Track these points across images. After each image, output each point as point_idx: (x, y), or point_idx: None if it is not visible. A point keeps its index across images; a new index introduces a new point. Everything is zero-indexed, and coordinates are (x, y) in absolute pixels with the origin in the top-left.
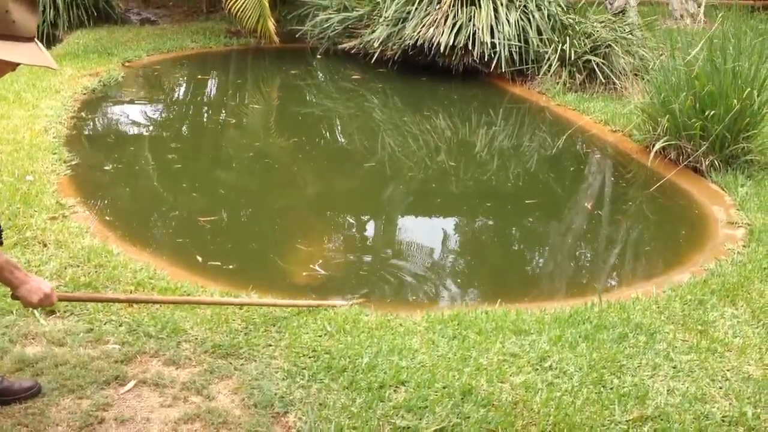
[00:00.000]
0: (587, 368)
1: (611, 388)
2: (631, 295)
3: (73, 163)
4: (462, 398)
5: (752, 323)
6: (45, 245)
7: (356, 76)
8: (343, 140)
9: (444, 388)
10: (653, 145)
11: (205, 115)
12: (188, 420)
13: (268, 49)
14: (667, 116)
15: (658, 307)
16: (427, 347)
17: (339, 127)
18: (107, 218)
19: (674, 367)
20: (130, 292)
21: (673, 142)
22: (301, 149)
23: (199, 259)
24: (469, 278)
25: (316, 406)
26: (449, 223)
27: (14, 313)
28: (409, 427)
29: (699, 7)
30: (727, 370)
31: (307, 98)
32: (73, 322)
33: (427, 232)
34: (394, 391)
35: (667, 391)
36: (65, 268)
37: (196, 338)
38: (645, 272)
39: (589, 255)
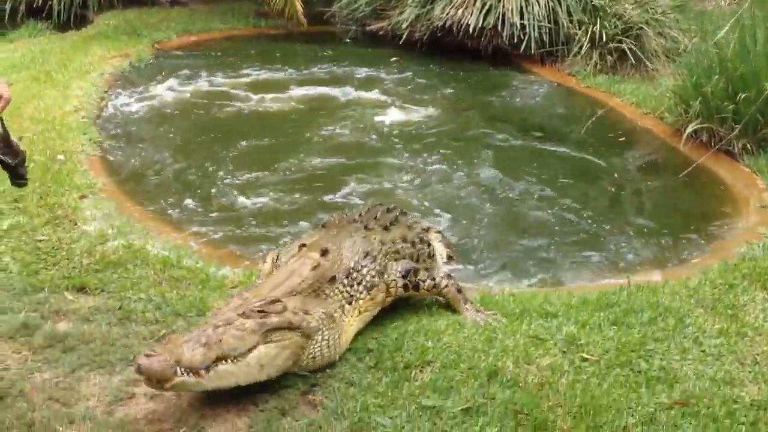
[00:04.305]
0: (615, 351)
1: (639, 372)
2: (661, 278)
3: (104, 143)
4: (488, 379)
5: None
6: (75, 223)
7: (395, 59)
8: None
9: (470, 369)
10: (685, 128)
11: (234, 96)
12: (215, 395)
13: (296, 32)
14: (699, 99)
15: (688, 291)
16: (453, 329)
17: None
18: (136, 197)
19: (703, 351)
20: (160, 270)
21: (705, 125)
22: None
23: (225, 229)
24: (496, 260)
25: (343, 385)
26: (475, 202)
27: (45, 290)
28: (434, 407)
29: None
30: (757, 355)
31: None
32: (103, 299)
33: (453, 212)
34: (420, 371)
35: (696, 375)
36: (95, 246)
37: None
38: (675, 256)
39: (618, 238)
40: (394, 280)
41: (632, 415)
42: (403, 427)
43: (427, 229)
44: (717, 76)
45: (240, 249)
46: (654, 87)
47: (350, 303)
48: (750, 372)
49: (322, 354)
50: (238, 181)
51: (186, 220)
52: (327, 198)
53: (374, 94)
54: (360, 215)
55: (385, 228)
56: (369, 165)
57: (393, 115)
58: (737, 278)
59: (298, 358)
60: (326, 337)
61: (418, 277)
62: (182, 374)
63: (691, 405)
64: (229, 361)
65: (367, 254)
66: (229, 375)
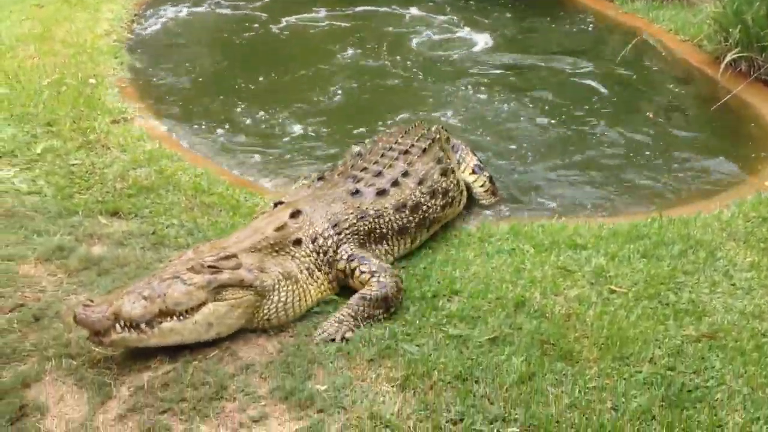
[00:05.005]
0: (644, 284)
1: (668, 304)
2: (694, 211)
3: (135, 66)
4: (515, 309)
5: None
6: (108, 148)
7: None
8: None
9: (497, 299)
10: (724, 57)
11: (269, 18)
12: None
13: None
14: (740, 26)
15: (721, 224)
16: (482, 259)
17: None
18: (167, 122)
19: (733, 285)
20: (192, 196)
21: (744, 54)
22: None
23: (257, 158)
24: (525, 190)
25: None
26: (504, 132)
27: (79, 214)
28: (461, 336)
29: None
30: None
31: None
32: (136, 223)
33: (485, 140)
34: (447, 300)
35: (725, 308)
36: (128, 171)
37: None
38: (709, 188)
39: (650, 169)
40: (337, 261)
41: (659, 347)
42: (430, 355)
43: (448, 172)
44: (758, 3)
45: (272, 178)
46: (693, 14)
47: (319, 270)
48: None
49: (278, 315)
50: (274, 108)
51: (218, 147)
52: (359, 130)
53: (415, 13)
54: (364, 168)
55: (381, 193)
56: (414, 91)
57: (435, 40)
58: None
59: (252, 318)
60: (283, 299)
61: (360, 267)
62: (122, 329)
63: (718, 338)
64: (174, 317)
65: (335, 225)
66: (174, 332)
